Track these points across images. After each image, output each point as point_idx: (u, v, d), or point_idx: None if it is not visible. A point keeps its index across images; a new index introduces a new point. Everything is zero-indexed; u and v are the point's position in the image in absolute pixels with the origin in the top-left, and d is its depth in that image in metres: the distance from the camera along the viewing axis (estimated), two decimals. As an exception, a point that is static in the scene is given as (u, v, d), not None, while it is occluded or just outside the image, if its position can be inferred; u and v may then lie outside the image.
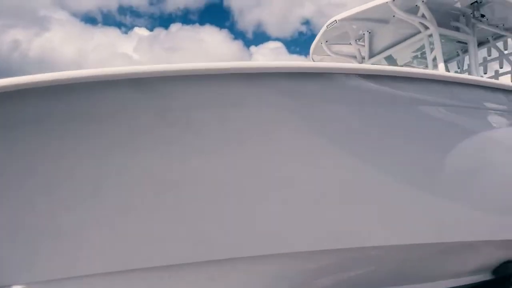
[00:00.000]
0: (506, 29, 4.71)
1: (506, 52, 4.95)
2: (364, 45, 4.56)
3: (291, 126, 2.24)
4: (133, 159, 2.06)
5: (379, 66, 2.38)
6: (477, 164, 2.92)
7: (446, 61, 5.42)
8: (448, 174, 2.76)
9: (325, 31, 4.18)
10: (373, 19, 4.13)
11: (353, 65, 2.30)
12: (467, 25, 4.23)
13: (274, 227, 2.34)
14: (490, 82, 2.82)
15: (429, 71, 2.58)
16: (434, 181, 2.70)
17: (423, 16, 3.89)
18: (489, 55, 5.11)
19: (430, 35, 3.90)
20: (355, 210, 2.48)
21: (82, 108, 1.91)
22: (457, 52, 5.37)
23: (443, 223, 2.80)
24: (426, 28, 3.91)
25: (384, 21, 4.20)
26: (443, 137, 2.71)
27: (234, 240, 2.29)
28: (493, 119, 2.96)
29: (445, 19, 4.20)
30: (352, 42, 4.59)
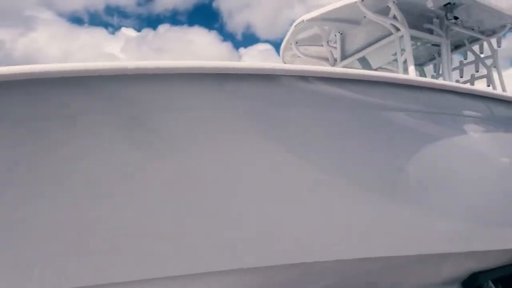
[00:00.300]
0: (482, 32, 4.61)
1: (482, 55, 4.85)
2: (336, 47, 4.41)
3: (245, 130, 2.07)
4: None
5: (335, 68, 2.22)
6: (442, 172, 2.78)
7: (422, 65, 5.33)
8: (411, 183, 2.62)
9: (293, 31, 4.03)
10: (344, 20, 3.98)
11: (309, 67, 2.13)
12: (440, 27, 4.12)
13: (222, 241, 2.17)
14: (455, 86, 2.68)
15: (388, 74, 2.43)
16: (396, 190, 2.55)
17: (394, 17, 3.77)
18: (465, 59, 5.01)
19: (402, 37, 3.76)
20: (309, 223, 2.32)
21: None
22: (433, 55, 5.28)
23: (405, 235, 2.66)
24: (398, 29, 3.78)
25: (355, 22, 4.06)
26: (405, 144, 2.57)
27: (183, 257, 2.11)
28: (460, 125, 2.82)
29: (418, 21, 4.08)
30: (324, 43, 4.44)
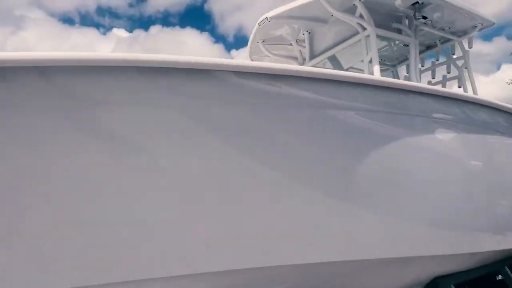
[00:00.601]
0: (453, 33, 4.57)
1: (454, 56, 4.81)
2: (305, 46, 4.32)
3: (182, 128, 1.95)
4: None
5: (280, 65, 2.10)
6: (403, 175, 2.70)
7: (395, 65, 5.28)
8: (369, 185, 2.53)
9: (258, 29, 3.92)
10: (310, 18, 3.89)
11: (252, 63, 2.02)
12: (409, 27, 4.06)
13: (175, 246, 2.05)
14: (414, 86, 2.60)
15: (339, 72, 2.34)
16: (354, 193, 2.46)
17: (361, 16, 3.69)
18: (437, 59, 4.97)
19: (368, 36, 3.68)
20: (258, 227, 2.22)
21: None
22: (406, 56, 5.23)
23: (364, 238, 2.57)
24: (364, 29, 3.70)
25: (322, 21, 3.97)
26: (363, 145, 2.48)
27: (138, 262, 1.99)
28: (422, 126, 2.74)
29: (387, 20, 4.01)
30: (293, 42, 4.35)
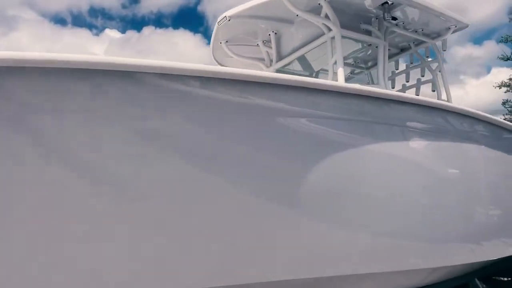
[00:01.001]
0: (426, 35, 4.42)
1: (429, 59, 4.66)
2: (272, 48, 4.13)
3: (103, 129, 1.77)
4: None
5: (222, 68, 1.93)
6: (358, 183, 2.53)
7: (369, 68, 5.12)
8: (320, 195, 2.34)
9: (218, 29, 3.73)
10: (275, 18, 3.71)
11: (194, 65, 1.83)
12: (379, 28, 3.89)
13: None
14: (369, 91, 2.42)
15: (280, 75, 2.15)
16: (301, 204, 2.27)
17: (326, 16, 3.51)
18: (411, 62, 4.82)
19: (334, 38, 3.51)
20: (201, 244, 2.03)
21: None
22: (380, 58, 5.07)
23: (315, 253, 2.39)
24: (330, 29, 3.53)
25: (288, 21, 3.79)
26: (312, 152, 2.30)
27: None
28: (377, 132, 2.57)
29: (355, 21, 3.85)
30: (260, 43, 4.16)
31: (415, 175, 2.90)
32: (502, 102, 21.81)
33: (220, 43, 3.97)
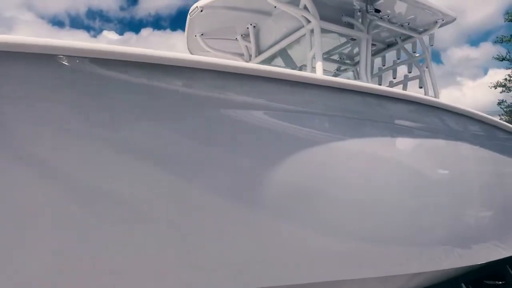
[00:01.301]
0: (413, 29, 4.25)
1: (417, 55, 4.49)
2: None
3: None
4: None
5: (170, 53, 1.71)
6: (334, 183, 2.35)
7: (356, 65, 4.94)
8: (287, 196, 2.15)
9: (190, 20, 3.54)
10: (252, 10, 3.54)
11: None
12: (362, 22, 3.72)
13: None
14: (336, 82, 2.24)
15: (239, 63, 1.95)
16: (265, 205, 2.08)
17: (305, 8, 3.34)
18: (398, 58, 4.65)
19: (313, 30, 3.33)
20: (143, 248, 1.83)
21: None
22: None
23: (287, 260, 2.21)
24: (309, 21, 3.35)
25: (266, 13, 3.62)
26: (280, 149, 2.11)
27: None
28: (352, 128, 2.39)
29: (337, 14, 3.67)
30: (238, 37, 3.98)
31: (397, 175, 2.72)
32: (498, 103, 21.69)
33: (195, 36, 3.78)
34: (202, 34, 3.77)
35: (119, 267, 1.69)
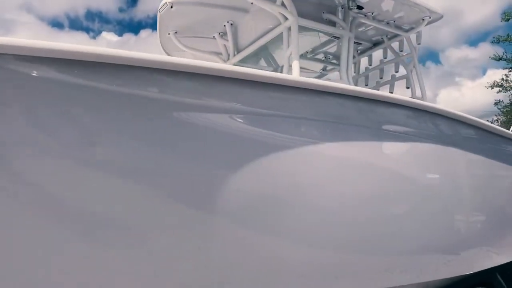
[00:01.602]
0: (399, 27, 4.09)
1: (405, 54, 4.32)
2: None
3: None
4: None
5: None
6: (300, 190, 2.16)
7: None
8: (245, 202, 1.97)
9: (161, 17, 3.36)
10: (228, 6, 3.36)
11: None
12: (344, 19, 3.55)
13: None
14: (303, 83, 2.06)
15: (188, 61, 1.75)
16: (219, 212, 1.90)
17: (283, 4, 3.17)
18: (385, 57, 4.49)
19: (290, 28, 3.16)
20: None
21: None
22: (353, 54, 4.74)
23: (242, 273, 2.02)
24: (287, 18, 3.18)
25: (243, 10, 3.45)
26: (240, 152, 1.92)
27: None
28: (322, 132, 2.21)
29: (318, 10, 3.51)
30: (216, 35, 3.81)
31: (378, 181, 2.54)
32: (494, 103, 21.55)
33: (168, 34, 3.60)
34: (176, 32, 3.59)
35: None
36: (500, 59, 20.56)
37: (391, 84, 4.39)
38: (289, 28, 3.15)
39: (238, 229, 1.94)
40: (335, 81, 3.64)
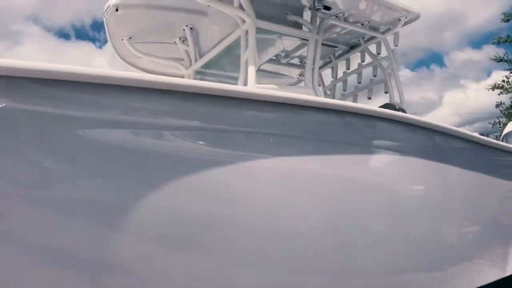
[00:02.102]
0: (374, 29, 3.83)
1: (382, 57, 4.06)
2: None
3: None
4: None
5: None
6: (239, 207, 1.91)
7: (320, 68, 4.51)
8: (189, 225, 1.73)
9: (107, 22, 3.10)
10: (183, 10, 3.13)
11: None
12: (312, 21, 3.30)
13: None
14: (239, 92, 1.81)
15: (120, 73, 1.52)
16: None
17: (240, 6, 2.92)
18: (363, 61, 4.23)
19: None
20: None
21: None
22: (329, 57, 4.50)
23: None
24: (245, 21, 2.94)
25: (202, 13, 3.21)
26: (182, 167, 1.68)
27: None
28: (256, 142, 1.95)
29: (282, 12, 3.26)
30: (177, 40, 3.57)
31: (334, 199, 2.27)
32: (496, 105, 21.14)
33: (122, 39, 3.36)
34: (130, 38, 3.35)
35: None
36: (501, 60, 20.21)
37: (370, 89, 4.14)
38: (247, 32, 2.91)
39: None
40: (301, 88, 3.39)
